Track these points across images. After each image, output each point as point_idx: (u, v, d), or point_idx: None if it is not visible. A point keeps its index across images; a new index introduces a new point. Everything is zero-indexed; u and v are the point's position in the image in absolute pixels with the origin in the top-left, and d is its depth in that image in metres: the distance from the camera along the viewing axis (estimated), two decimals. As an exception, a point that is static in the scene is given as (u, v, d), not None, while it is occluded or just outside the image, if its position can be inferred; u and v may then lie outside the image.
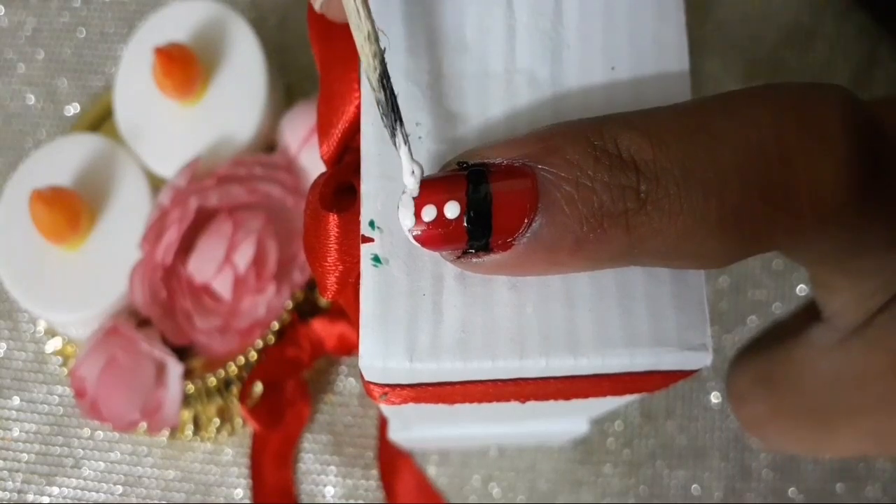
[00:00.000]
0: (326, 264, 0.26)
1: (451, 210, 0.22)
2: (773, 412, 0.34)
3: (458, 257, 0.23)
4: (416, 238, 0.23)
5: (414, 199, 0.23)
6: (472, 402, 0.27)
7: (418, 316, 0.24)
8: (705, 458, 0.55)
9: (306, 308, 0.54)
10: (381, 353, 0.24)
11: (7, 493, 0.54)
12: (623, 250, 0.22)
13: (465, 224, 0.22)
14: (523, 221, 0.22)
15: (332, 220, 0.26)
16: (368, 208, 0.25)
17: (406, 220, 0.23)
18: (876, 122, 0.23)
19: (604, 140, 0.22)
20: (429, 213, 0.23)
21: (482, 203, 0.22)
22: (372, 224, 0.25)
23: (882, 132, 0.24)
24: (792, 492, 0.54)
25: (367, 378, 0.25)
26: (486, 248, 0.23)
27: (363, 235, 0.25)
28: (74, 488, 0.55)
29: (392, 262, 0.24)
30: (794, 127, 0.22)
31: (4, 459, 0.55)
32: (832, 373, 0.31)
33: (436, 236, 0.23)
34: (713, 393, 0.55)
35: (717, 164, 0.22)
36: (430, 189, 0.23)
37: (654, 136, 0.22)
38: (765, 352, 0.34)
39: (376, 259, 0.24)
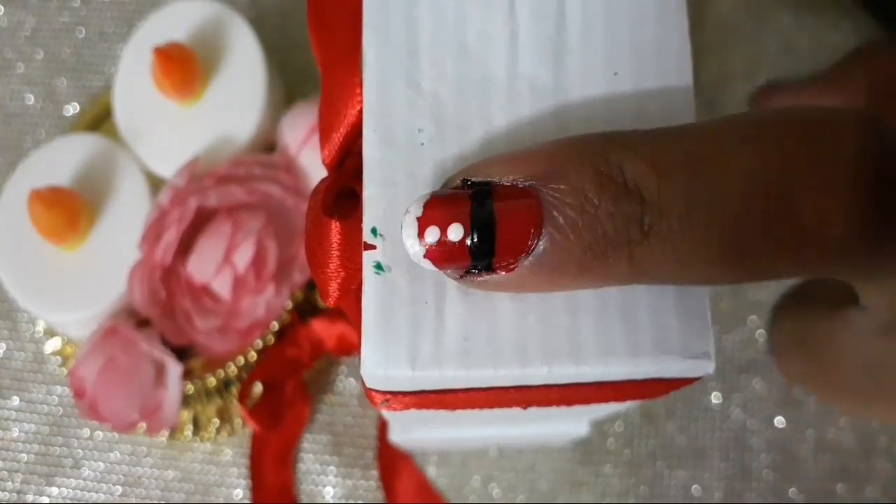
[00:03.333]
0: (328, 271, 0.26)
1: (455, 233, 0.22)
2: (812, 376, 0.34)
3: (462, 276, 0.23)
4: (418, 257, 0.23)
5: (418, 218, 0.23)
6: (473, 408, 0.27)
7: (420, 324, 0.24)
8: (705, 458, 0.54)
9: (306, 308, 0.54)
10: (382, 361, 0.24)
11: (6, 493, 0.54)
12: (624, 276, 0.23)
13: (469, 246, 0.22)
14: (527, 245, 0.22)
15: (335, 226, 0.26)
16: (371, 215, 0.25)
17: (409, 240, 0.23)
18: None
19: (609, 166, 0.22)
20: (432, 234, 0.22)
21: (486, 225, 0.22)
22: (374, 231, 0.24)
23: None
24: (792, 492, 0.54)
25: (368, 385, 0.25)
26: (489, 269, 0.23)
27: (365, 242, 0.24)
28: (74, 489, 0.55)
29: (394, 270, 0.24)
30: (802, 161, 0.22)
31: (4, 460, 0.55)
32: (871, 361, 0.30)
33: (439, 257, 0.23)
34: (714, 393, 0.55)
35: (721, 198, 0.21)
36: (434, 210, 0.23)
37: (660, 166, 0.22)
38: (806, 313, 0.34)
39: (378, 266, 0.24)
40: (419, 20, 0.26)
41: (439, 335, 0.24)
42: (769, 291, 0.56)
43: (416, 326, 0.24)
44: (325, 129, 0.28)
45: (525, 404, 0.27)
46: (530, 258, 0.22)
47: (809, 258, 0.22)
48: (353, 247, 0.26)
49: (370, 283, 0.24)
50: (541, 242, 0.22)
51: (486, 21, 0.26)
